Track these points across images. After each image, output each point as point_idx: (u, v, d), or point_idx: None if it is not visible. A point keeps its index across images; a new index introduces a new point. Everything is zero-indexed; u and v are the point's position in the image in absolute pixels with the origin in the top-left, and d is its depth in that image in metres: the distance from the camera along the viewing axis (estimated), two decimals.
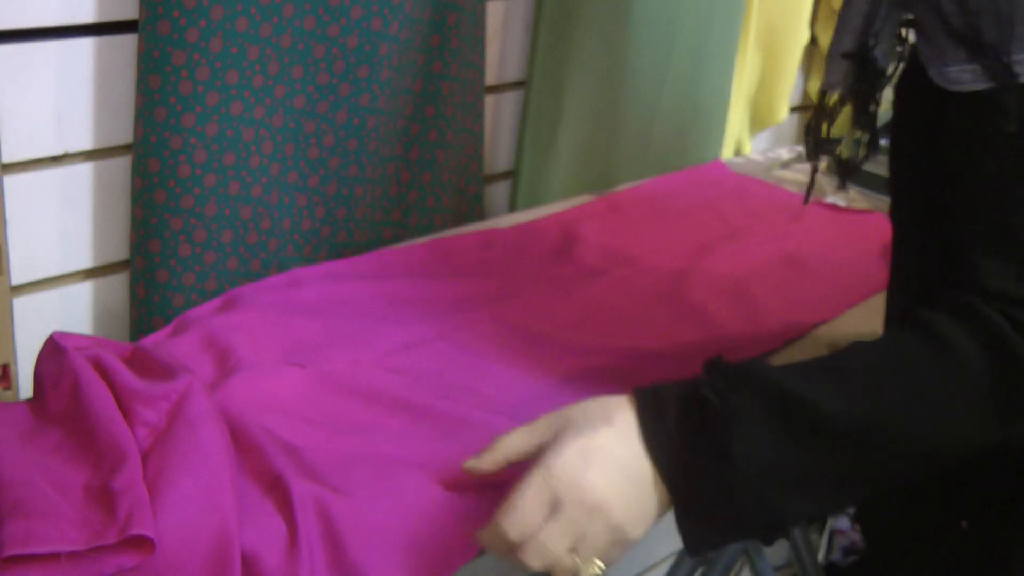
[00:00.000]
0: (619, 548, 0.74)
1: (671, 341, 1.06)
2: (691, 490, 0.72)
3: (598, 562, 0.74)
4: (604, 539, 0.73)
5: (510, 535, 0.73)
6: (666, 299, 1.16)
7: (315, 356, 0.96)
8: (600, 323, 1.10)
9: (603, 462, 0.72)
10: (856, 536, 2.13)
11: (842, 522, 2.17)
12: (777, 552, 1.95)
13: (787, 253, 1.30)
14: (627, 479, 0.72)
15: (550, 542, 0.72)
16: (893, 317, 0.92)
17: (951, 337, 0.69)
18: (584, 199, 1.45)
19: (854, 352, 0.73)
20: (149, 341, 0.99)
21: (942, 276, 0.74)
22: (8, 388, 1.01)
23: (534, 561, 0.73)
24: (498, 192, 1.44)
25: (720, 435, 0.70)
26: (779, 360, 1.06)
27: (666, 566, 1.36)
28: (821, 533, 2.18)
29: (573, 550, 0.73)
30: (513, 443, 0.76)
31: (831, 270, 1.24)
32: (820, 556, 2.14)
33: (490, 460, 0.77)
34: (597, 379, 0.98)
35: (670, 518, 0.75)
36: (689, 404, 0.72)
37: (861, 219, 1.42)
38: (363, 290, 1.10)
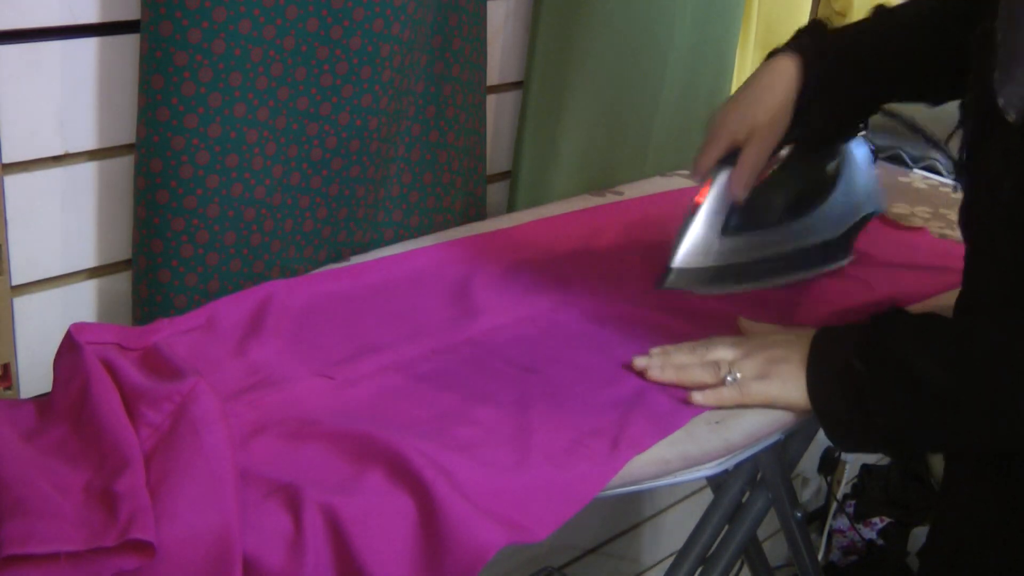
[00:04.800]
0: (764, 378, 0.93)
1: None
2: (831, 419, 0.91)
3: (737, 374, 0.93)
4: (760, 362, 0.94)
5: (688, 346, 0.97)
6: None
7: (343, 367, 0.96)
8: (647, 326, 1.09)
9: (787, 334, 0.98)
10: (856, 536, 2.14)
11: (842, 522, 2.18)
12: (777, 552, 1.95)
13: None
14: (797, 360, 0.93)
15: (719, 347, 0.96)
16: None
17: None
18: (584, 199, 1.45)
19: (979, 339, 0.86)
20: (175, 328, 0.98)
21: None
22: (9, 387, 1.01)
23: (694, 356, 0.95)
24: (497, 192, 1.44)
25: (859, 398, 0.88)
26: None
27: (666, 566, 1.36)
28: (821, 533, 2.19)
29: (731, 364, 0.94)
30: (762, 326, 1.04)
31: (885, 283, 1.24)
32: (820, 556, 2.15)
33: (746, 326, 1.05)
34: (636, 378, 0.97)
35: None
36: (844, 359, 0.89)
37: (910, 236, 1.39)
38: (382, 297, 1.10)
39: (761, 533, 1.47)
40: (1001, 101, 0.78)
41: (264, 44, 1.03)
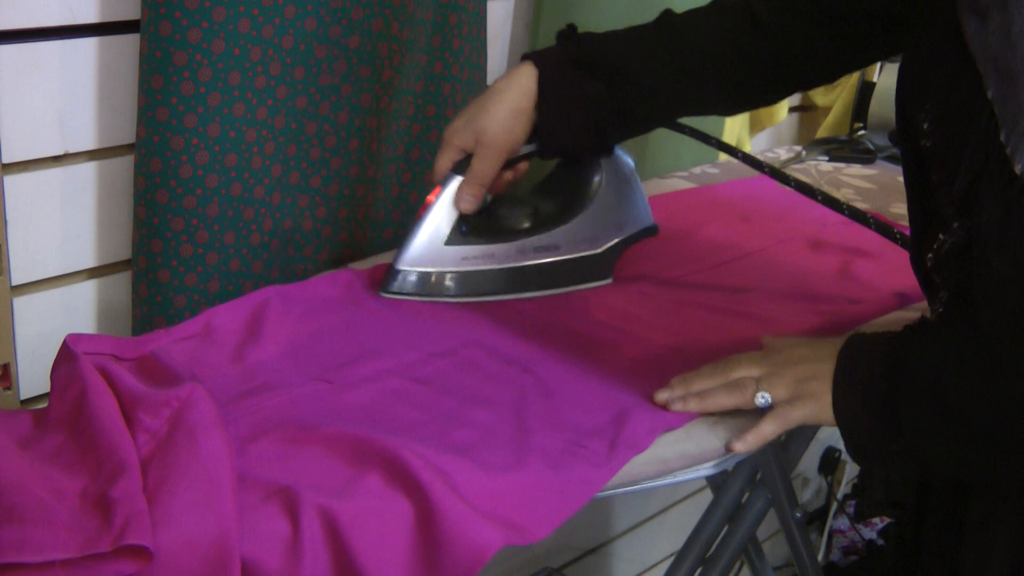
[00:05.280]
0: (796, 399, 0.88)
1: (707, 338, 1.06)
2: (856, 437, 0.86)
3: (767, 396, 0.89)
4: (788, 382, 0.89)
5: (707, 369, 0.92)
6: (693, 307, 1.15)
7: (340, 372, 0.95)
8: (640, 322, 1.09)
9: (811, 348, 0.91)
10: (856, 536, 2.14)
11: (842, 522, 2.18)
12: (777, 552, 1.95)
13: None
14: (825, 376, 0.88)
15: (742, 365, 0.92)
16: None
17: None
18: None
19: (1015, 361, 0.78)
20: (171, 337, 0.97)
21: None
22: (8, 388, 1.01)
23: (716, 378, 0.91)
24: None
25: (886, 420, 0.83)
26: None
27: (666, 566, 1.36)
28: (821, 533, 2.19)
29: (758, 381, 0.90)
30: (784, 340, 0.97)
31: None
32: (820, 556, 2.15)
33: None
34: (635, 379, 0.97)
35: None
36: (872, 378, 0.85)
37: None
38: (379, 301, 1.10)
39: (761, 533, 1.47)
40: (1020, 167, 0.74)
41: (263, 43, 1.03)
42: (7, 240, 0.98)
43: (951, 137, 0.83)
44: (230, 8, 0.99)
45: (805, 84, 1.20)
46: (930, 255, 0.88)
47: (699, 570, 1.28)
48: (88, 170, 1.03)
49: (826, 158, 1.68)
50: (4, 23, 0.93)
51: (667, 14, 1.09)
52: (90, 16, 0.98)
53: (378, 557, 0.73)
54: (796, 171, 1.64)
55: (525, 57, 1.08)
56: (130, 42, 1.00)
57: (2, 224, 0.97)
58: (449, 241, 1.09)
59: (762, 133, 1.83)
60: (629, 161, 1.19)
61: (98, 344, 0.91)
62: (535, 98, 1.06)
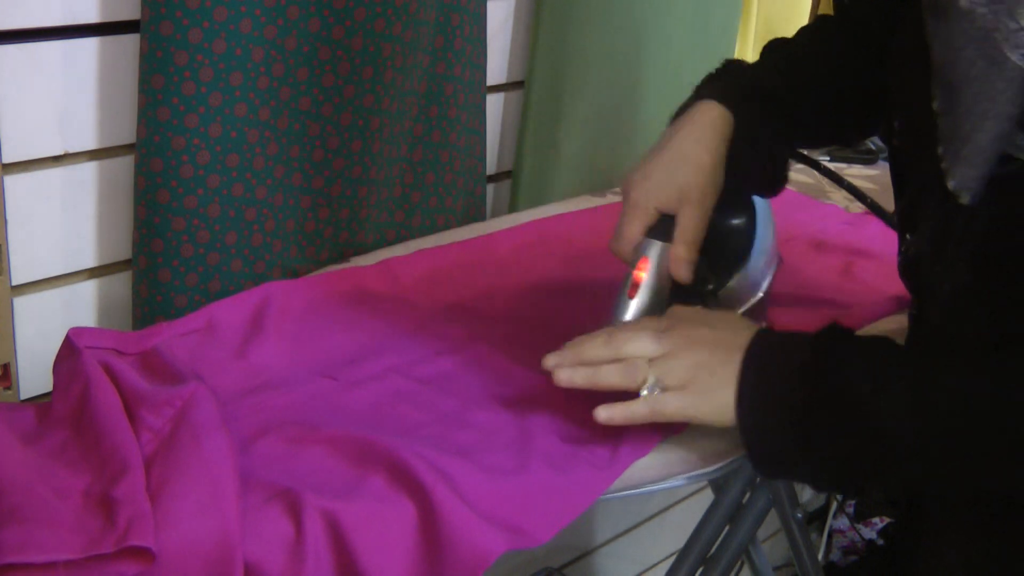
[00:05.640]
0: (685, 390, 0.81)
1: None
2: (761, 448, 0.80)
3: (654, 390, 0.81)
4: (684, 368, 0.81)
5: (604, 334, 0.83)
6: None
7: (344, 370, 0.95)
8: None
9: (720, 331, 0.82)
10: (856, 536, 2.14)
11: (842, 522, 2.18)
12: (777, 552, 1.95)
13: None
14: (723, 376, 0.80)
15: (639, 339, 0.82)
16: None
17: None
18: (584, 199, 1.45)
19: (944, 377, 0.74)
20: (173, 331, 0.97)
21: None
22: (9, 387, 1.01)
23: (609, 350, 0.82)
24: (498, 192, 1.44)
25: (797, 433, 0.77)
26: None
27: (666, 566, 1.36)
28: (821, 533, 2.19)
29: (652, 362, 0.81)
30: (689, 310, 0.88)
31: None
32: (820, 556, 2.15)
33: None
34: None
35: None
36: (783, 385, 0.78)
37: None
38: (383, 299, 1.09)
39: (761, 533, 1.47)
40: (952, 183, 0.71)
41: (265, 44, 1.03)
42: (7, 240, 0.98)
43: (914, 141, 0.82)
44: (231, 8, 0.99)
45: None
46: (899, 258, 0.87)
47: (699, 570, 1.28)
48: (88, 170, 1.03)
49: (827, 158, 1.68)
50: (4, 23, 0.93)
51: (777, 43, 1.03)
52: (90, 16, 0.98)
53: (381, 559, 0.72)
54: (797, 171, 1.64)
55: (701, 95, 0.98)
56: (130, 42, 1.00)
57: (2, 224, 0.97)
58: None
59: None
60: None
61: (101, 338, 0.91)
62: (730, 141, 0.95)
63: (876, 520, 2.13)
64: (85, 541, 0.68)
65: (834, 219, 1.40)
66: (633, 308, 0.93)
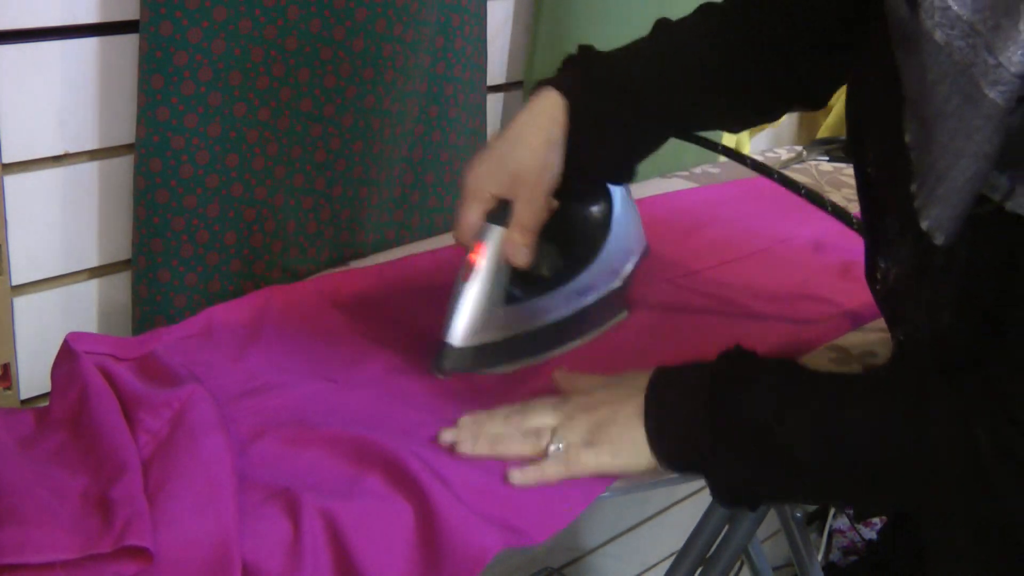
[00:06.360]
0: (592, 445, 0.81)
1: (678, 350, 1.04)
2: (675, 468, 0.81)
3: (561, 444, 0.81)
4: (586, 427, 0.82)
5: (503, 413, 0.84)
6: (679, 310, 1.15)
7: (341, 371, 0.95)
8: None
9: (616, 391, 0.83)
10: (856, 536, 2.14)
11: (842, 522, 2.18)
12: (777, 552, 1.95)
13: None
14: (628, 418, 0.81)
15: (538, 413, 0.84)
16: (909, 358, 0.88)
17: (960, 439, 0.71)
18: None
19: (855, 400, 0.76)
20: (171, 336, 0.97)
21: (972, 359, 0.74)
22: (8, 388, 1.01)
23: (510, 426, 0.83)
24: None
25: (702, 458, 0.79)
26: None
27: (666, 566, 1.36)
28: (821, 533, 2.19)
29: (554, 430, 0.82)
30: (586, 379, 0.89)
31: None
32: (820, 556, 2.14)
33: (565, 382, 0.90)
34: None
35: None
36: (688, 415, 0.79)
37: None
38: (381, 300, 1.09)
39: (761, 533, 1.47)
40: (926, 223, 0.68)
41: (265, 44, 1.03)
42: (7, 240, 0.98)
43: (886, 172, 0.79)
44: (231, 8, 0.99)
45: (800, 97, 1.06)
46: (877, 286, 0.85)
47: (699, 570, 1.28)
48: (88, 170, 1.03)
49: (826, 158, 1.68)
50: (4, 23, 0.93)
51: (661, 24, 1.02)
52: (90, 16, 0.98)
53: (379, 558, 0.72)
54: (796, 171, 1.64)
55: (540, 85, 0.97)
56: (130, 42, 1.00)
57: (2, 224, 0.97)
58: (508, 301, 0.96)
59: (762, 133, 1.83)
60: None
61: (99, 344, 0.91)
62: (566, 127, 0.95)
63: (876, 520, 2.13)
64: (83, 541, 0.68)
65: (833, 219, 1.40)
66: (468, 292, 0.93)
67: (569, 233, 1.02)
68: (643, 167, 1.38)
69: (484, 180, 0.93)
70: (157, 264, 1.04)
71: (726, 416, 0.78)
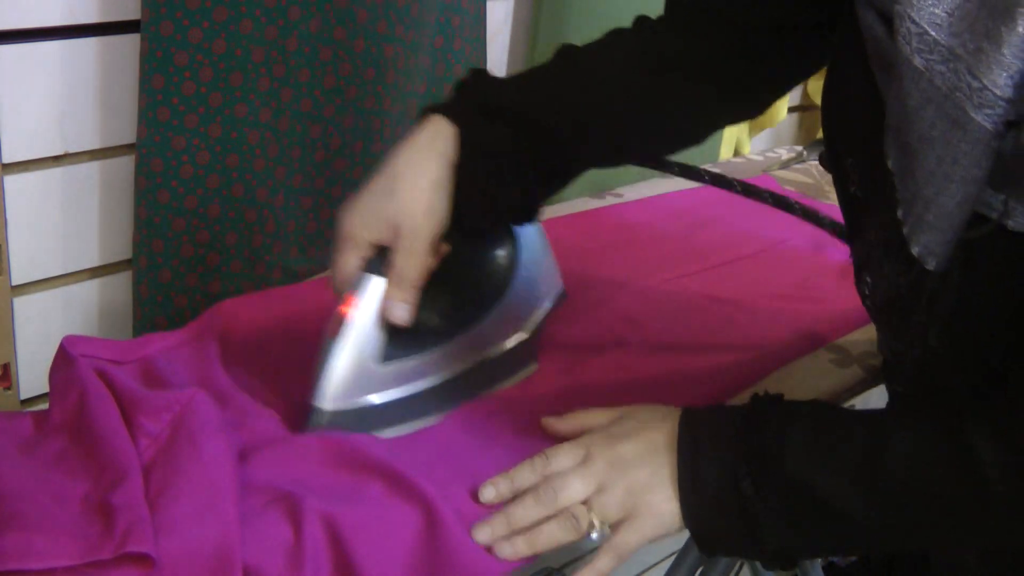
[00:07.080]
0: (631, 519, 0.77)
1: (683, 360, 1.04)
2: (712, 543, 0.77)
3: (604, 532, 0.77)
4: (620, 498, 0.76)
5: (530, 476, 0.78)
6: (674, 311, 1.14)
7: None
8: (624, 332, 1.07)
9: (640, 439, 0.78)
10: None
11: None
12: None
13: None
14: (662, 484, 0.77)
15: (568, 486, 0.77)
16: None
17: (995, 471, 0.68)
18: (583, 201, 1.45)
19: (892, 452, 0.72)
20: (172, 340, 0.96)
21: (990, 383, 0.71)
22: (8, 388, 1.01)
23: (542, 507, 0.77)
24: None
25: (748, 523, 0.74)
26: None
27: (666, 566, 1.36)
28: None
29: (587, 503, 0.77)
30: (592, 416, 0.84)
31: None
32: None
33: (568, 425, 0.84)
34: (617, 395, 0.92)
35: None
36: (725, 476, 0.74)
37: None
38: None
39: None
40: (916, 250, 0.67)
41: (266, 45, 1.03)
42: (7, 240, 0.98)
43: (869, 193, 0.77)
44: (231, 8, 0.99)
45: (732, 113, 0.99)
46: (867, 300, 0.83)
47: (699, 570, 1.28)
48: (89, 170, 1.03)
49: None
50: (4, 23, 0.93)
51: (565, 48, 0.89)
52: (90, 16, 0.98)
53: (380, 564, 0.72)
54: (796, 171, 1.64)
55: (428, 111, 0.84)
56: (130, 42, 1.00)
57: (2, 224, 0.97)
58: (389, 358, 0.84)
59: (762, 133, 1.83)
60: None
61: (95, 347, 0.90)
62: (455, 162, 0.82)
63: None
64: (84, 547, 0.68)
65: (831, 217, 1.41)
66: (336, 350, 0.81)
67: (463, 279, 0.90)
68: (644, 168, 1.38)
69: (359, 227, 0.83)
70: (158, 264, 1.04)
71: (762, 477, 0.73)
